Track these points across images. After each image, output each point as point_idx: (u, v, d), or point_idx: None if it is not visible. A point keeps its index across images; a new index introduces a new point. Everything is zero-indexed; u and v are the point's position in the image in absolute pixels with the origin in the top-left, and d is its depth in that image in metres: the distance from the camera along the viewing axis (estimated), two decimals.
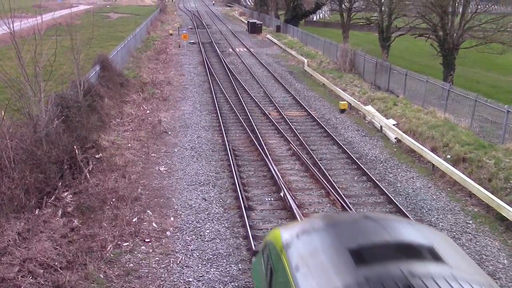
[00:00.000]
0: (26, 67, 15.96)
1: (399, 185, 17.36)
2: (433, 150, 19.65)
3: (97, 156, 17.74)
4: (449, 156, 18.90)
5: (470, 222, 14.84)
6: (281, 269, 6.71)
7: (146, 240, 13.12)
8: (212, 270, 11.90)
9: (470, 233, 14.19)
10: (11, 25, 15.85)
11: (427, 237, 6.45)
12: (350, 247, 5.93)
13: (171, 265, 12.08)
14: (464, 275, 5.57)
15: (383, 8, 41.43)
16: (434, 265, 5.64)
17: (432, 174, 18.39)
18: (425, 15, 33.14)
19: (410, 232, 6.50)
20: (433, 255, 5.86)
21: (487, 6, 31.91)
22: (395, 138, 22.03)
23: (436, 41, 32.31)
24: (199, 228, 13.91)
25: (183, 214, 14.75)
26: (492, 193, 15.38)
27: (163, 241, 13.19)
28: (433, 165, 18.55)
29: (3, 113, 14.88)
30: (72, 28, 21.37)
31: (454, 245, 6.96)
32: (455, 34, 30.87)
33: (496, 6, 34.62)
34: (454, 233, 14.10)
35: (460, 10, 31.68)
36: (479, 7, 31.30)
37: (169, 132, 22.52)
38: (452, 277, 5.40)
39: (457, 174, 16.85)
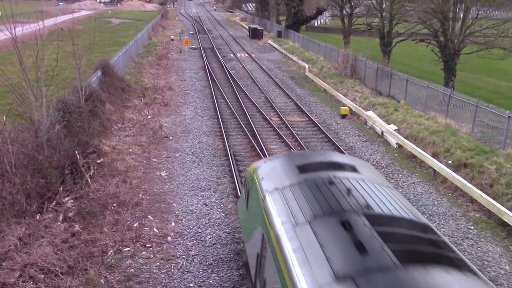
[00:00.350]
0: (28, 72, 16.00)
1: (400, 190, 17.33)
2: (434, 155, 19.65)
3: (98, 161, 17.74)
4: (450, 162, 18.89)
5: (472, 227, 14.82)
6: (253, 184, 9.95)
7: (147, 245, 13.11)
8: (213, 275, 11.88)
9: (471, 238, 14.16)
10: (13, 30, 15.90)
11: (352, 161, 9.90)
12: (297, 164, 9.27)
13: (172, 270, 12.05)
14: (371, 179, 8.73)
15: (384, 14, 41.49)
16: (351, 173, 8.81)
17: (434, 180, 18.37)
18: (426, 21, 33.18)
19: (342, 158, 10.31)
20: (352, 169, 9.07)
21: (488, 11, 31.92)
22: (396, 144, 22.03)
23: (437, 47, 32.35)
24: (200, 233, 13.90)
25: (184, 219, 14.74)
26: (494, 199, 15.37)
27: (164, 246, 13.17)
28: (435, 170, 18.54)
29: (4, 118, 14.91)
30: (73, 34, 21.40)
31: (373, 169, 10.31)
32: (456, 40, 30.91)
33: (497, 12, 34.59)
34: (456, 239, 14.08)
35: (461, 15, 31.73)
36: (480, 12, 31.34)
37: (170, 137, 22.53)
38: (361, 179, 8.55)
39: (458, 179, 16.83)
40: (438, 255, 6.41)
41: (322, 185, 8.13)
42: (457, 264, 6.22)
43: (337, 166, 9.11)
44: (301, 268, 6.14)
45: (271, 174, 9.39)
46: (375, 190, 8.15)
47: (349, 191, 7.80)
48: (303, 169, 8.96)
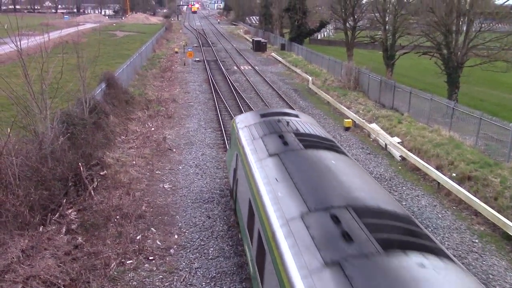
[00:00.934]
0: (33, 85, 16.08)
1: (404, 203, 17.26)
2: (438, 168, 19.59)
3: (101, 173, 17.76)
4: (454, 174, 18.82)
5: (476, 241, 14.72)
6: (233, 130, 15.28)
7: (150, 257, 13.07)
8: None
9: (476, 252, 14.06)
10: (19, 43, 16.01)
11: (297, 112, 15.73)
12: (260, 114, 14.78)
13: (174, 283, 12.00)
14: (305, 121, 13.90)
15: (387, 27, 41.66)
16: (293, 117, 13.95)
17: (438, 193, 18.29)
18: (429, 34, 33.27)
19: (291, 111, 15.95)
20: (295, 116, 14.54)
21: (491, 24, 32.00)
22: (400, 156, 21.98)
23: (441, 59, 32.38)
24: (203, 246, 13.85)
25: (187, 231, 14.71)
26: (498, 212, 15.27)
27: (167, 259, 13.13)
28: (438, 183, 18.47)
29: (9, 130, 14.95)
30: (78, 46, 21.56)
31: (311, 118, 15.84)
32: (459, 53, 30.96)
33: (500, 25, 34.67)
34: (460, 252, 13.98)
35: (464, 28, 31.79)
36: (483, 25, 31.41)
37: (174, 150, 22.56)
38: (299, 120, 13.70)
39: (462, 192, 16.76)
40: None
41: (272, 122, 13.47)
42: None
43: (286, 114, 14.63)
44: (252, 154, 11.67)
45: (244, 120, 14.91)
46: (305, 125, 13.46)
47: (287, 123, 13.25)
48: (263, 115, 14.49)
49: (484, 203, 15.87)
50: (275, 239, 7.81)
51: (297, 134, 12.22)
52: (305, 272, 6.66)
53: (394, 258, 6.61)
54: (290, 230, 7.72)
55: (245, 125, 14.18)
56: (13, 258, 11.56)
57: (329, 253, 6.82)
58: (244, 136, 13.26)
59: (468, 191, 16.93)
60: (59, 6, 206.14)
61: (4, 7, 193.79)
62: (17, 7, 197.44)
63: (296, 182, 9.31)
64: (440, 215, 16.40)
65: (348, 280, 6.20)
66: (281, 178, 9.73)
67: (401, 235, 7.55)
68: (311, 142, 11.71)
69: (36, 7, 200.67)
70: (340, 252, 6.80)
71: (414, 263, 6.56)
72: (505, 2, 32.50)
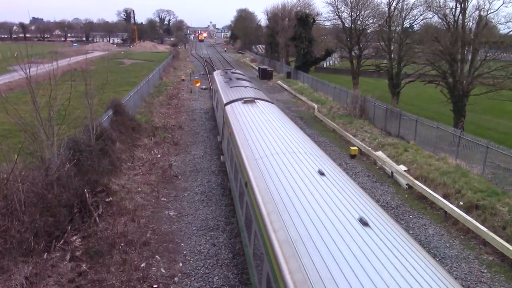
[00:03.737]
0: (41, 111, 16.22)
1: (411, 232, 17.09)
2: (445, 196, 19.44)
3: (107, 200, 17.74)
4: (461, 203, 18.65)
5: (485, 271, 14.49)
6: (213, 78, 37.55)
7: (154, 286, 12.93)
8: None
9: (485, 282, 13.83)
10: (28, 71, 16.22)
11: (252, 84, 31.76)
12: (225, 74, 36.11)
13: None
14: (253, 88, 28.27)
15: (392, 56, 41.99)
16: (245, 82, 31.01)
17: (445, 221, 18.12)
18: (435, 62, 33.50)
19: (247, 79, 35.56)
20: (247, 81, 32.22)
21: (496, 53, 32.20)
22: (406, 184, 21.86)
23: (446, 88, 32.52)
24: (207, 274, 13.71)
25: (192, 259, 14.58)
26: (507, 242, 15.08)
27: (171, 287, 12.99)
28: (446, 212, 18.31)
29: (16, 156, 15.02)
30: (86, 74, 21.81)
31: (262, 94, 27.91)
32: (464, 81, 31.09)
33: (505, 54, 34.92)
34: (469, 283, 13.76)
35: (469, 57, 32.00)
36: (488, 54, 31.62)
37: (180, 176, 22.55)
38: (248, 85, 29.22)
39: (470, 221, 16.59)
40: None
41: (232, 80, 30.99)
42: None
43: (230, 70, 39.60)
44: (222, 94, 25.46)
45: (219, 76, 33.58)
46: (251, 90, 26.34)
47: (232, 72, 37.03)
48: (227, 76, 32.53)
49: (493, 232, 15.70)
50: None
51: (235, 77, 32.38)
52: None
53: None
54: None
55: (219, 72, 37.33)
56: (16, 285, 11.48)
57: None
58: (216, 77, 33.96)
59: (476, 220, 16.76)
60: (68, 35, 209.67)
61: (15, 36, 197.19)
62: (27, 35, 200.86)
63: (230, 86, 27.53)
64: (447, 244, 16.20)
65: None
66: (224, 84, 28.89)
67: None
68: (239, 78, 31.58)
69: (45, 36, 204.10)
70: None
71: None
72: (509, 31, 32.75)
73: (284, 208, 9.49)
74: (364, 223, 8.53)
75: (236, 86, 27.09)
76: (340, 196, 9.97)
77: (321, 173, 11.25)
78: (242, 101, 21.68)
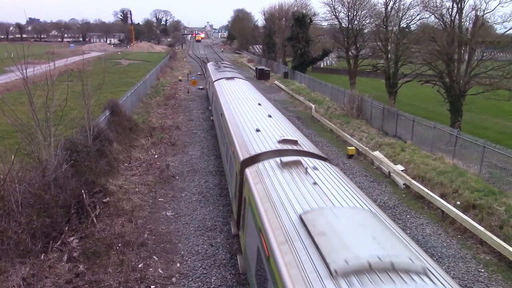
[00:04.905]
0: (38, 112, 16.18)
1: (408, 231, 17.11)
2: (442, 196, 19.47)
3: (104, 201, 17.72)
4: (458, 203, 18.69)
5: (482, 270, 14.52)
6: (207, 69, 51.22)
7: (152, 286, 12.91)
8: None
9: (482, 282, 13.86)
10: (24, 71, 16.18)
11: (234, 70, 46.85)
12: (215, 64, 51.18)
13: None
14: (234, 72, 42.20)
15: (389, 55, 42.05)
16: (229, 69, 44.13)
17: (442, 221, 18.15)
18: (431, 62, 33.56)
19: (231, 67, 50.71)
20: (231, 68, 46.77)
21: (492, 53, 32.27)
22: (403, 184, 21.89)
23: (443, 88, 32.56)
24: (205, 275, 13.70)
25: (189, 260, 14.57)
26: (504, 241, 15.11)
27: (169, 287, 12.98)
28: (443, 211, 18.34)
29: (13, 157, 14.98)
30: (83, 74, 21.75)
31: (240, 75, 38.90)
32: (461, 81, 31.15)
33: (501, 54, 35.00)
34: (466, 282, 13.78)
35: (466, 57, 32.06)
36: (484, 54, 31.66)
37: (177, 177, 22.53)
38: (230, 70, 42.42)
39: (467, 221, 16.62)
40: None
41: (220, 67, 45.54)
42: None
43: (221, 62, 57.69)
44: (212, 75, 38.15)
45: (211, 66, 46.07)
46: (230, 67, 46.73)
47: (222, 64, 51.22)
48: (217, 66, 44.78)
49: (490, 231, 15.73)
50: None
51: (223, 65, 47.17)
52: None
53: None
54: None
55: (212, 63, 52.08)
56: (14, 286, 11.45)
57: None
58: (210, 69, 44.68)
59: (473, 220, 16.79)
60: (65, 35, 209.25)
61: (11, 36, 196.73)
62: (24, 36, 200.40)
63: (218, 71, 40.43)
64: (445, 244, 16.23)
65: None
66: (214, 70, 42.16)
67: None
68: (227, 70, 41.33)
69: (42, 36, 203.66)
70: None
71: None
72: (506, 31, 32.83)
73: (240, 120, 18.43)
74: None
75: (222, 71, 39.67)
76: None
77: (259, 104, 22.12)
78: (225, 78, 33.55)
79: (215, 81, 33.37)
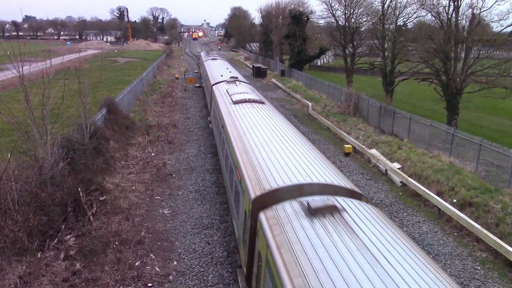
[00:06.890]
0: (34, 110, 16.13)
1: (405, 229, 17.15)
2: (439, 194, 19.52)
3: (101, 199, 17.69)
4: (455, 200, 18.74)
5: (479, 268, 14.57)
6: (201, 58, 66.29)
7: (149, 284, 12.92)
8: None
9: (478, 279, 13.91)
10: (21, 69, 16.12)
11: (222, 58, 60.41)
12: (206, 53, 74.19)
13: None
14: (222, 60, 54.00)
15: (386, 53, 42.04)
16: (217, 56, 61.50)
17: (439, 219, 18.19)
18: (428, 60, 33.57)
19: (219, 57, 60.90)
20: (218, 56, 61.02)
21: (489, 51, 32.29)
22: (400, 182, 21.93)
23: (439, 86, 32.59)
24: (202, 273, 13.71)
25: (186, 258, 14.57)
26: (500, 238, 15.16)
27: (166, 286, 12.98)
28: (439, 209, 18.38)
29: (9, 155, 14.94)
30: (80, 72, 21.69)
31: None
32: (458, 79, 31.18)
33: (498, 52, 35.00)
34: (463, 279, 13.83)
35: (463, 55, 32.08)
36: (481, 52, 31.68)
37: (174, 175, 22.52)
38: (218, 58, 55.39)
39: (464, 218, 16.67)
40: None
41: (208, 53, 71.42)
42: None
43: (211, 53, 75.30)
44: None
45: (207, 59, 51.09)
46: (218, 56, 57.41)
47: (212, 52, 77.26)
48: (214, 59, 50.59)
49: (486, 229, 15.77)
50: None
51: (212, 54, 65.59)
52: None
53: None
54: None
55: (205, 55, 64.55)
56: (10, 284, 11.43)
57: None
58: (203, 56, 61.29)
59: (469, 217, 16.84)
60: (62, 33, 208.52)
61: (7, 34, 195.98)
62: (20, 33, 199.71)
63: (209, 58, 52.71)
64: (441, 242, 16.27)
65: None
66: (206, 56, 56.91)
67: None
68: (214, 57, 54.25)
69: (38, 34, 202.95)
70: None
71: None
72: (502, 29, 32.88)
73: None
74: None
75: (212, 59, 49.15)
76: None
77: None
78: (211, 58, 42.18)
79: (206, 60, 42.15)
